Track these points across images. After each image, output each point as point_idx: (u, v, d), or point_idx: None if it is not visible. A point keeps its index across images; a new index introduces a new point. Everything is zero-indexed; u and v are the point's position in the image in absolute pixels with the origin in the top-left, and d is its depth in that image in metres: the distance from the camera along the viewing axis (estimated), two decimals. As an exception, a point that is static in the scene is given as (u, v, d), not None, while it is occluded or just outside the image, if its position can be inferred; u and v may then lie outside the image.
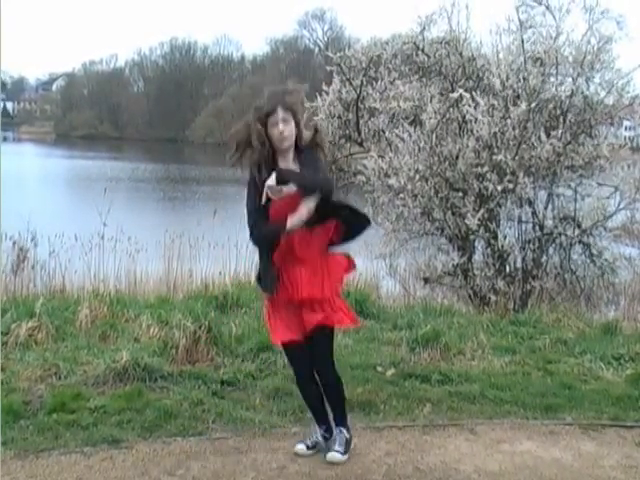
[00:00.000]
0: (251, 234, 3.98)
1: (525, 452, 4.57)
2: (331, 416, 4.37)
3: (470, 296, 9.90)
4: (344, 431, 4.35)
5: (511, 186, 9.07)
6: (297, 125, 3.95)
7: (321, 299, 4.04)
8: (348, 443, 4.34)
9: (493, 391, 5.56)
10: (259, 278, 4.14)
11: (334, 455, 4.26)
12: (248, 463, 4.22)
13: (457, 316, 8.03)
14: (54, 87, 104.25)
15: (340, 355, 6.23)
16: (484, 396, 5.46)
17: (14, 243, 9.83)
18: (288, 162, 3.96)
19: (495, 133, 9.16)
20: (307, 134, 4.03)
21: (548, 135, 9.24)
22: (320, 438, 4.37)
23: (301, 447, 4.34)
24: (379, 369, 5.96)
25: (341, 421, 4.36)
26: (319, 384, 4.26)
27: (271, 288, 4.00)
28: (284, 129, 3.87)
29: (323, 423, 4.36)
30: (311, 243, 4.00)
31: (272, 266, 3.97)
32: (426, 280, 10.39)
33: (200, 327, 6.03)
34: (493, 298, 9.44)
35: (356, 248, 11.68)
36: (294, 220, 3.88)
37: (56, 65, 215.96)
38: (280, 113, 3.87)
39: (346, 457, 4.28)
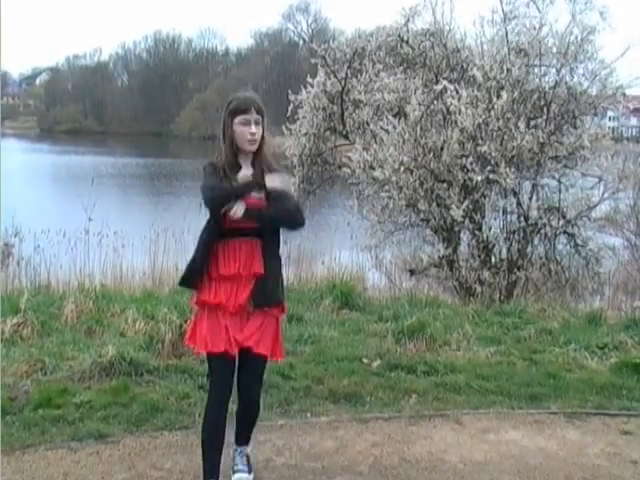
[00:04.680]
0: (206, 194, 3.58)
1: (510, 441, 4.60)
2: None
3: (455, 287, 9.95)
4: (246, 449, 4.02)
5: (492, 176, 9.10)
6: (262, 132, 3.73)
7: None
8: (249, 459, 4.02)
9: (478, 381, 5.59)
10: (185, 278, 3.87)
11: (241, 476, 3.93)
12: (235, 456, 4.21)
13: (443, 307, 8.06)
14: (37, 82, 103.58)
15: (326, 347, 6.26)
16: (470, 386, 5.49)
17: (-2, 239, 9.81)
18: (247, 163, 3.73)
19: (479, 124, 9.18)
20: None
21: (528, 126, 9.27)
22: None
23: None
24: (365, 361, 5.98)
25: (246, 441, 4.02)
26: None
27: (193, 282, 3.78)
28: (256, 131, 3.68)
29: (218, 475, 3.75)
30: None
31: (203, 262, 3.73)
32: (412, 272, 10.43)
33: (186, 321, 6.01)
34: (478, 289, 9.49)
35: (342, 240, 11.77)
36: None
37: (39, 60, 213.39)
38: (254, 114, 3.68)
39: (252, 475, 3.98)
